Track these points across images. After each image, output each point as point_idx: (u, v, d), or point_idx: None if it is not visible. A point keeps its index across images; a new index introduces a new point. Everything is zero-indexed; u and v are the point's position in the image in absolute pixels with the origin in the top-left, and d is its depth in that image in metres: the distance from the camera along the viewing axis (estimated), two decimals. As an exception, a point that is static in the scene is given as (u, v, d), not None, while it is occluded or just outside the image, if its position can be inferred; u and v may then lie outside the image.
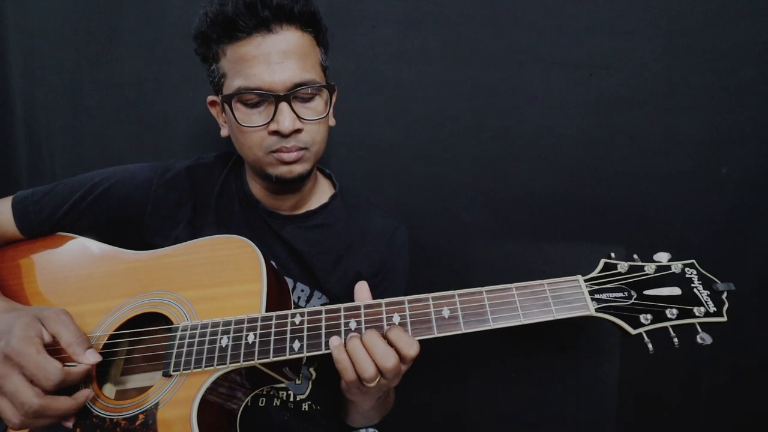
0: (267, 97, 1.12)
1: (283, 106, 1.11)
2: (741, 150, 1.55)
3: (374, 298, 1.02)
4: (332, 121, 1.29)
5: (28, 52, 1.76)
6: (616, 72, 1.57)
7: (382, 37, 1.64)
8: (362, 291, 1.07)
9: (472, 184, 1.66)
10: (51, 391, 0.94)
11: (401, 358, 0.95)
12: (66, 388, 0.97)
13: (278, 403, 1.27)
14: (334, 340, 0.96)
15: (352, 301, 1.02)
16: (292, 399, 1.29)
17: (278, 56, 1.10)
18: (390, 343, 0.95)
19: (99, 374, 1.09)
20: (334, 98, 1.23)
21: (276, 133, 1.13)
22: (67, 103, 1.76)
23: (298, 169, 1.18)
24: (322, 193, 1.39)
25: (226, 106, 1.16)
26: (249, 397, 1.13)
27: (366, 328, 0.97)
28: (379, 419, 1.39)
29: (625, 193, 1.60)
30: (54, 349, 0.98)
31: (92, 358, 0.99)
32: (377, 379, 0.95)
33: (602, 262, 1.00)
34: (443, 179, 1.67)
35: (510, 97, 1.62)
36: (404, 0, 1.62)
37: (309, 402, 1.31)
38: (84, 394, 0.99)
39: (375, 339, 0.95)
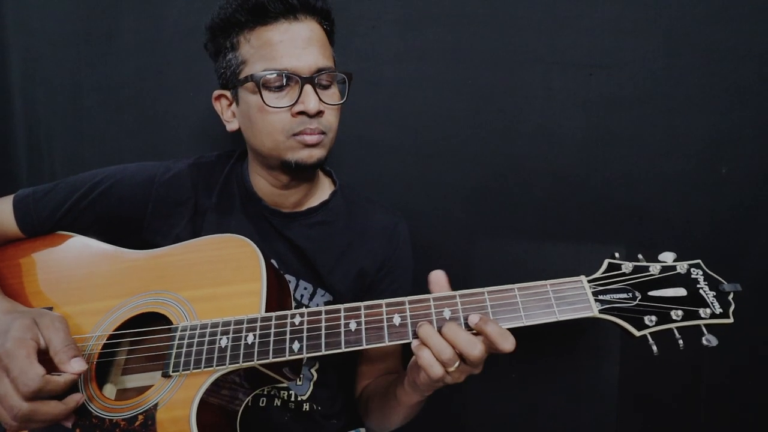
0: (292, 80, 1.14)
1: (308, 88, 1.14)
2: (741, 150, 1.55)
3: (379, 293, 1.01)
4: None
5: (28, 52, 1.76)
6: (616, 72, 1.57)
7: (382, 37, 1.64)
8: (440, 280, 1.01)
9: (472, 184, 1.66)
10: (32, 397, 0.93)
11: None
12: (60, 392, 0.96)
13: (279, 404, 1.27)
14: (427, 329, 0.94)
15: (355, 298, 1.01)
16: (292, 399, 1.29)
17: (303, 42, 1.15)
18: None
19: (99, 374, 1.08)
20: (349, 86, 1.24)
21: (301, 114, 1.15)
22: (67, 103, 1.77)
23: (317, 153, 1.19)
24: (322, 190, 1.39)
25: (244, 88, 1.17)
26: (249, 398, 1.13)
27: (366, 328, 0.97)
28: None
29: (625, 193, 1.60)
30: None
31: (77, 367, 0.97)
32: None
33: (606, 262, 0.99)
34: (443, 179, 1.67)
35: (510, 97, 1.62)
36: (404, 0, 1.62)
37: (310, 402, 1.31)
38: (75, 398, 0.98)
39: (455, 329, 0.92)
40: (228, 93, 1.24)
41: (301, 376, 1.31)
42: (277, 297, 1.09)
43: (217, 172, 1.35)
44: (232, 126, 1.27)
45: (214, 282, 1.09)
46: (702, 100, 1.55)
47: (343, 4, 1.61)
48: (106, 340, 1.09)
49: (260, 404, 1.25)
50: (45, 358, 0.96)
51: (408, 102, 1.66)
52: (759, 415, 1.65)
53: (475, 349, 0.91)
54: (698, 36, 1.53)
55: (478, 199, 1.67)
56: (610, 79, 1.57)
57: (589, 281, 0.96)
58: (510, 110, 1.62)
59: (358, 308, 0.98)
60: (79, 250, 1.23)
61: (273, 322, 1.00)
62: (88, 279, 1.18)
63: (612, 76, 1.57)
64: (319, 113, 1.16)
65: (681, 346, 0.91)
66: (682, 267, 0.96)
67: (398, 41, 1.64)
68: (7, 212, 1.26)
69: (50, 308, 1.14)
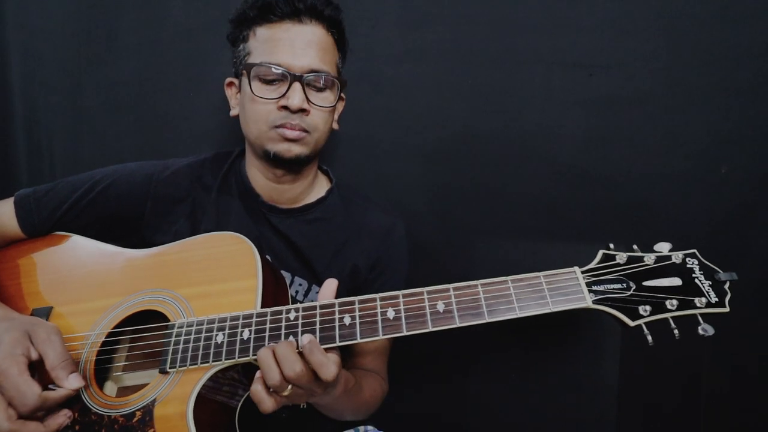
0: (284, 76, 1.19)
1: (296, 85, 1.19)
2: (741, 150, 1.55)
3: (371, 292, 1.01)
4: (336, 126, 1.34)
5: (28, 52, 1.77)
6: (616, 72, 1.57)
7: (382, 36, 1.65)
8: (328, 288, 1.03)
9: (472, 184, 1.66)
10: (29, 415, 0.93)
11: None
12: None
13: (276, 401, 1.26)
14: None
15: (348, 296, 1.01)
16: (289, 396, 1.28)
17: (302, 44, 1.21)
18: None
19: (98, 371, 1.09)
20: (342, 99, 1.33)
21: (284, 108, 1.19)
22: (67, 103, 1.77)
23: (296, 149, 1.22)
24: (320, 187, 1.40)
25: (243, 76, 1.23)
26: (246, 394, 1.12)
27: (360, 323, 0.96)
28: (364, 415, 1.32)
29: (625, 193, 1.60)
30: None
31: (75, 383, 0.97)
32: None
33: (600, 253, 0.98)
34: (443, 179, 1.67)
35: (510, 97, 1.62)
36: (404, 0, 1.62)
37: (307, 399, 1.30)
38: (57, 421, 0.97)
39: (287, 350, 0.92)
40: (236, 81, 1.31)
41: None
42: (273, 293, 1.09)
43: (216, 169, 1.36)
44: (233, 112, 1.33)
45: (211, 279, 1.09)
46: (702, 100, 1.55)
47: (343, 4, 1.62)
48: (105, 338, 1.09)
49: (258, 401, 1.25)
50: (37, 369, 0.97)
51: (408, 102, 1.66)
52: (759, 416, 1.64)
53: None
54: (698, 36, 1.53)
55: (478, 199, 1.67)
56: (610, 79, 1.58)
57: (582, 272, 0.96)
58: (510, 110, 1.63)
59: (352, 302, 0.98)
60: (77, 250, 1.24)
61: (268, 317, 1.00)
62: (86, 278, 1.18)
63: (612, 76, 1.58)
64: (303, 111, 1.20)
65: (676, 335, 0.90)
66: (677, 257, 0.96)
67: (398, 41, 1.65)
68: (8, 213, 1.26)
69: (50, 308, 1.15)
